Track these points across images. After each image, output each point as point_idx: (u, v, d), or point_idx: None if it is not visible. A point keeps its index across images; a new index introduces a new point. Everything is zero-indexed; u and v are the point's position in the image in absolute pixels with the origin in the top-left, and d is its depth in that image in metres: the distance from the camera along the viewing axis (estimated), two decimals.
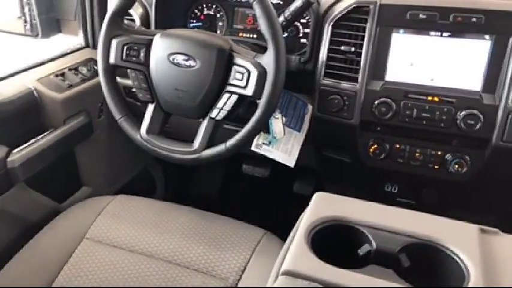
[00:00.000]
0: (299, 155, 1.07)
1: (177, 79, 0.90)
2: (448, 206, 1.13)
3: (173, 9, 1.19)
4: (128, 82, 1.04)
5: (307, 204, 0.69)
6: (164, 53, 0.91)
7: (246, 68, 0.86)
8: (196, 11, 1.23)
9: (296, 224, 0.66)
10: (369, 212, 0.66)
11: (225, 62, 0.87)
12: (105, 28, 0.95)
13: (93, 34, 1.32)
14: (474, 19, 0.91)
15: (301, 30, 1.12)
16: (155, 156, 0.98)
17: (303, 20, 1.11)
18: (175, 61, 0.90)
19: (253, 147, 1.05)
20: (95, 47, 1.32)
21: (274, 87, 0.84)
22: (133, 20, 1.18)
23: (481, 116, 0.92)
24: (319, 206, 0.68)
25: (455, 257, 0.59)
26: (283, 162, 1.07)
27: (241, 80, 0.86)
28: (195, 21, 1.23)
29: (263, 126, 0.93)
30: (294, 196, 1.47)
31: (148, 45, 0.93)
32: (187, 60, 0.89)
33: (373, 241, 0.62)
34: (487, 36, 0.92)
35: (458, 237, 0.61)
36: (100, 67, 0.98)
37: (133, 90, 1.00)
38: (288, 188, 1.50)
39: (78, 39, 1.34)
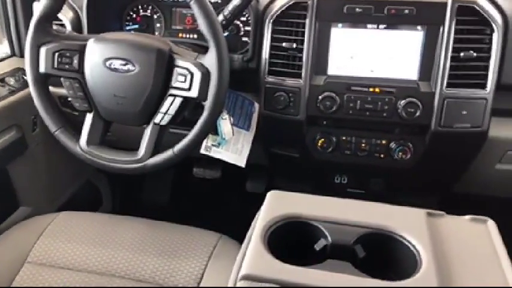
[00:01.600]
0: (249, 153, 1.07)
1: (115, 85, 0.86)
2: (395, 192, 1.17)
3: (106, 12, 1.14)
4: (63, 91, 0.98)
5: (261, 202, 0.68)
6: (100, 58, 0.86)
7: (188, 70, 0.83)
8: (131, 12, 1.18)
9: (251, 225, 0.66)
10: (322, 206, 0.67)
11: (165, 65, 0.84)
12: (31, 35, 0.89)
13: (19, 41, 1.23)
14: (406, 11, 0.95)
15: (242, 29, 1.11)
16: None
17: (243, 18, 1.10)
18: (112, 66, 0.86)
19: (202, 150, 1.03)
20: (22, 55, 1.23)
21: (219, 88, 0.83)
22: (63, 25, 1.11)
23: (420, 104, 0.96)
24: (273, 205, 0.67)
25: (407, 243, 0.60)
26: (234, 163, 1.06)
27: (184, 82, 0.84)
28: (131, 24, 1.18)
29: (211, 128, 0.91)
30: (247, 195, 1.46)
31: (81, 52, 0.88)
32: (125, 64, 0.85)
33: (328, 235, 0.62)
34: (419, 27, 0.96)
35: (407, 224, 0.63)
36: (29, 77, 0.91)
37: (69, 99, 0.94)
38: (241, 187, 1.49)
39: (3, 48, 1.25)
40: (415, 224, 0.63)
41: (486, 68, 0.94)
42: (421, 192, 1.19)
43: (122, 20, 1.18)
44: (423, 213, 0.65)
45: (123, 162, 0.90)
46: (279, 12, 1.01)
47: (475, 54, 0.93)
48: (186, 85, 0.84)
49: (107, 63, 0.86)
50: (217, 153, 1.03)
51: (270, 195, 0.69)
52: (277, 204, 0.67)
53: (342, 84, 1.00)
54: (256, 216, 0.67)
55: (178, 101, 0.86)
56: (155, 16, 1.17)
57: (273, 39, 1.02)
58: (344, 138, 1.06)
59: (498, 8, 0.94)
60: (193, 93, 0.84)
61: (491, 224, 0.65)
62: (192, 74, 0.83)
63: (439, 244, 0.59)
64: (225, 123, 0.99)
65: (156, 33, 1.18)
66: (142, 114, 0.87)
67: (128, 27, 1.19)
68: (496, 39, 0.93)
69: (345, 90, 0.99)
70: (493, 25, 0.92)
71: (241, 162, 1.06)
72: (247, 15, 1.09)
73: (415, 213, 0.66)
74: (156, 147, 0.89)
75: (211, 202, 1.62)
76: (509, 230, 0.68)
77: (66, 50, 0.88)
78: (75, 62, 0.88)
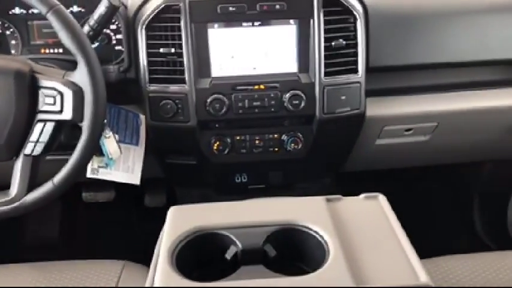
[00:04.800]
0: (143, 168, 1.01)
1: None
2: (293, 181, 1.22)
3: None
4: None
5: (164, 217, 0.64)
6: None
7: (56, 90, 0.75)
8: None
9: (156, 247, 0.61)
10: (225, 213, 0.65)
11: (27, 88, 0.75)
12: None
13: None
14: (278, 6, 0.98)
15: (114, 37, 1.04)
16: None
17: (113, 26, 1.03)
18: None
19: (88, 174, 0.95)
20: None
21: (95, 105, 0.76)
22: None
23: (303, 95, 1.00)
24: (176, 221, 0.64)
25: (312, 233, 0.62)
26: (127, 182, 0.99)
27: (54, 104, 0.75)
28: None
29: (94, 150, 0.84)
30: (148, 211, 1.39)
31: None
32: None
33: (237, 241, 0.61)
34: (291, 21, 1.00)
35: (310, 213, 0.64)
36: None
37: None
38: (140, 204, 1.41)
39: None
40: (317, 213, 0.64)
41: (355, 54, 1.01)
42: (316, 177, 1.25)
43: None
44: (323, 200, 0.68)
45: None
46: (151, 17, 0.96)
47: (344, 42, 1.00)
48: (56, 107, 0.75)
49: None
50: (107, 175, 0.96)
51: (171, 212, 0.66)
52: (180, 220, 0.63)
53: (227, 85, 0.99)
54: (160, 236, 0.63)
55: (50, 126, 0.77)
56: (8, 32, 1.03)
57: (148, 46, 0.97)
58: (238, 138, 1.06)
59: None
60: (67, 115, 0.76)
61: (382, 198, 0.70)
62: (61, 94, 0.75)
63: (341, 228, 0.62)
64: (109, 142, 0.91)
65: (13, 51, 1.03)
66: (8, 147, 0.76)
67: None
68: (360, 26, 1.00)
69: (232, 91, 0.99)
70: (355, 13, 1.00)
71: (135, 180, 0.99)
72: (116, 22, 1.02)
73: (315, 201, 0.67)
74: (32, 182, 0.78)
75: (109, 227, 1.50)
76: (395, 198, 0.74)
77: None
78: None
